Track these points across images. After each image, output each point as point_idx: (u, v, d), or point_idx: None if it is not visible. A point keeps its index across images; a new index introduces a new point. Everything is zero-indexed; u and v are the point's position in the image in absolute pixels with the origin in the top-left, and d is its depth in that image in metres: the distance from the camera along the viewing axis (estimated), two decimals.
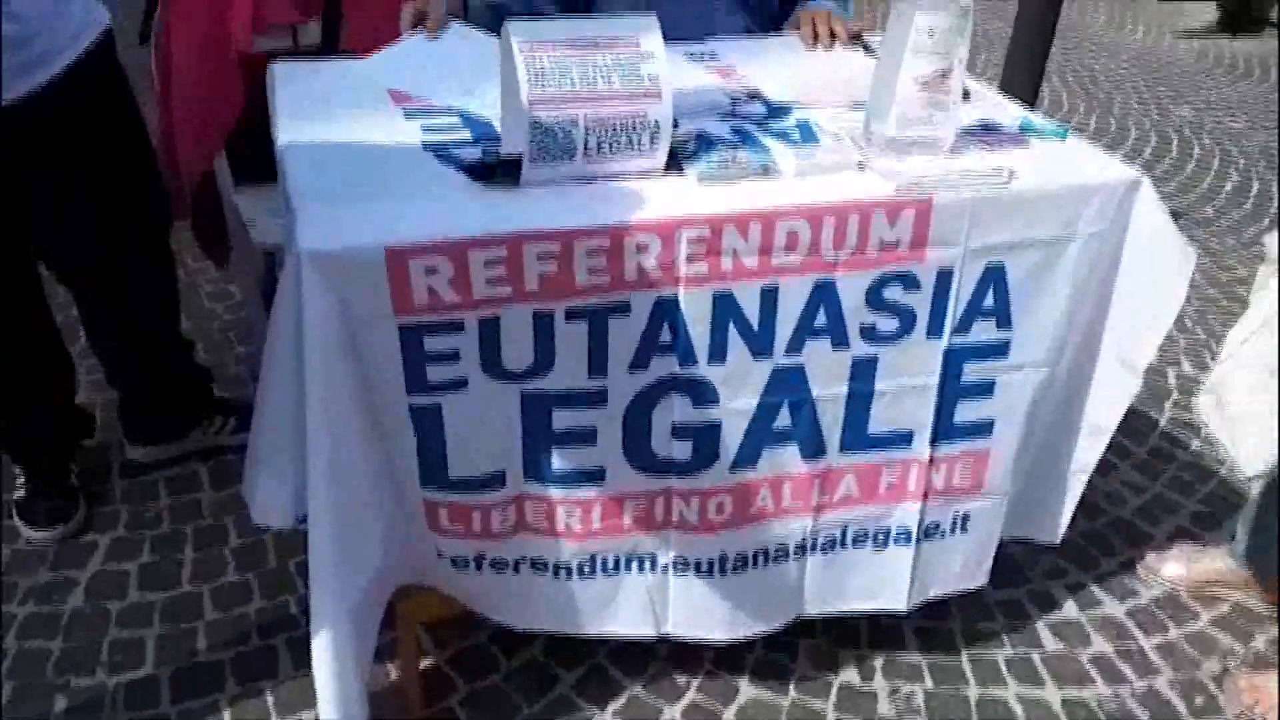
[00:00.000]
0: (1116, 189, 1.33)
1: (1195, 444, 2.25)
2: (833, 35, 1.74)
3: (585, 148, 1.18)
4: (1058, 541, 1.59)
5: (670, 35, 1.69)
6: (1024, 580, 1.87)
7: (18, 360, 1.76)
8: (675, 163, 1.26)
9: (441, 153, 1.26)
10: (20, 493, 1.92)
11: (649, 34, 1.19)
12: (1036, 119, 1.48)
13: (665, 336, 1.22)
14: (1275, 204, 3.44)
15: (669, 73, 1.20)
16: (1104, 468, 1.79)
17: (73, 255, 1.72)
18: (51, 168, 1.55)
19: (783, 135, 1.36)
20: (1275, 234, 1.59)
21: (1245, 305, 1.74)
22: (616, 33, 1.18)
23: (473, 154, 1.26)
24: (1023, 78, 2.75)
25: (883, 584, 1.52)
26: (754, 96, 1.51)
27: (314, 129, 1.32)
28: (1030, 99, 2.69)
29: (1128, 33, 5.30)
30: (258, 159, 1.57)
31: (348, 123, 1.35)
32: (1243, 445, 1.59)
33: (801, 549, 1.45)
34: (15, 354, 1.75)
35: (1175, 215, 3.36)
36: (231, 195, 1.99)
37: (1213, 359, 2.36)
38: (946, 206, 1.25)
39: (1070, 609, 1.82)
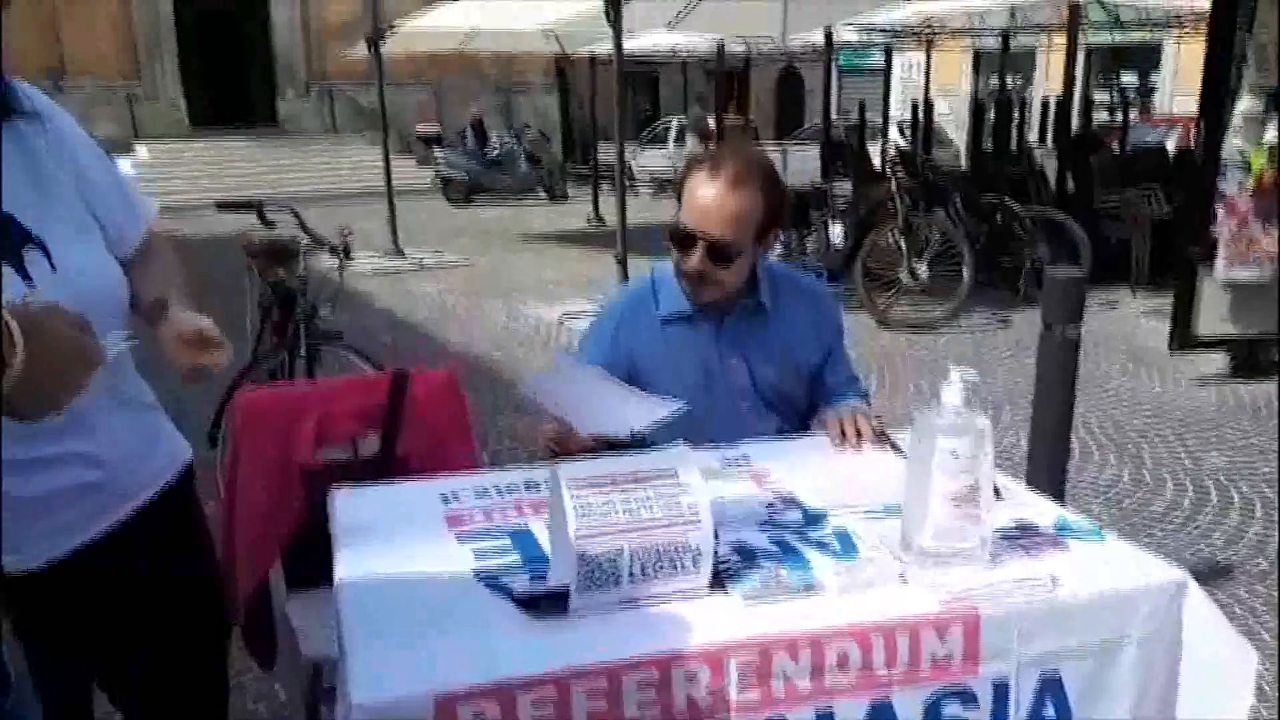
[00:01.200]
0: (1164, 591, 1.33)
1: None
2: (859, 434, 1.84)
3: (631, 574, 1.22)
4: None
5: (706, 438, 1.83)
6: None
7: None
8: (719, 582, 1.28)
9: (492, 581, 1.30)
10: None
11: (686, 466, 1.27)
12: (1071, 517, 1.51)
13: None
14: None
15: (707, 500, 1.26)
16: None
17: (128, 679, 1.71)
18: (120, 599, 1.55)
19: (822, 545, 1.40)
20: None
21: None
22: (657, 466, 1.26)
23: (522, 581, 1.30)
24: (1052, 434, 2.82)
25: None
26: (790, 502, 1.56)
27: (370, 560, 1.38)
28: (1062, 458, 2.75)
29: (1145, 383, 5.51)
30: (312, 564, 1.62)
31: (403, 551, 1.40)
32: None
33: None
34: None
35: (1227, 571, 3.30)
36: (284, 602, 2.02)
37: None
38: (994, 618, 1.25)
39: None
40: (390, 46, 9.68)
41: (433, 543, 1.44)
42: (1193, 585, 1.34)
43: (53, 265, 1.26)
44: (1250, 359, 5.56)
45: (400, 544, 1.43)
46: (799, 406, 2.05)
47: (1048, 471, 2.68)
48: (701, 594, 1.27)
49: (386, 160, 10.24)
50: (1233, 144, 5.14)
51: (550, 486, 1.25)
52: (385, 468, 2.04)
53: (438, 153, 16.49)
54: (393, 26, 9.60)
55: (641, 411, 1.68)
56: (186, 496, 1.62)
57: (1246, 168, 5.15)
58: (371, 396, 2.14)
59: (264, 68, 19.56)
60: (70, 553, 1.42)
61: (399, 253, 10.04)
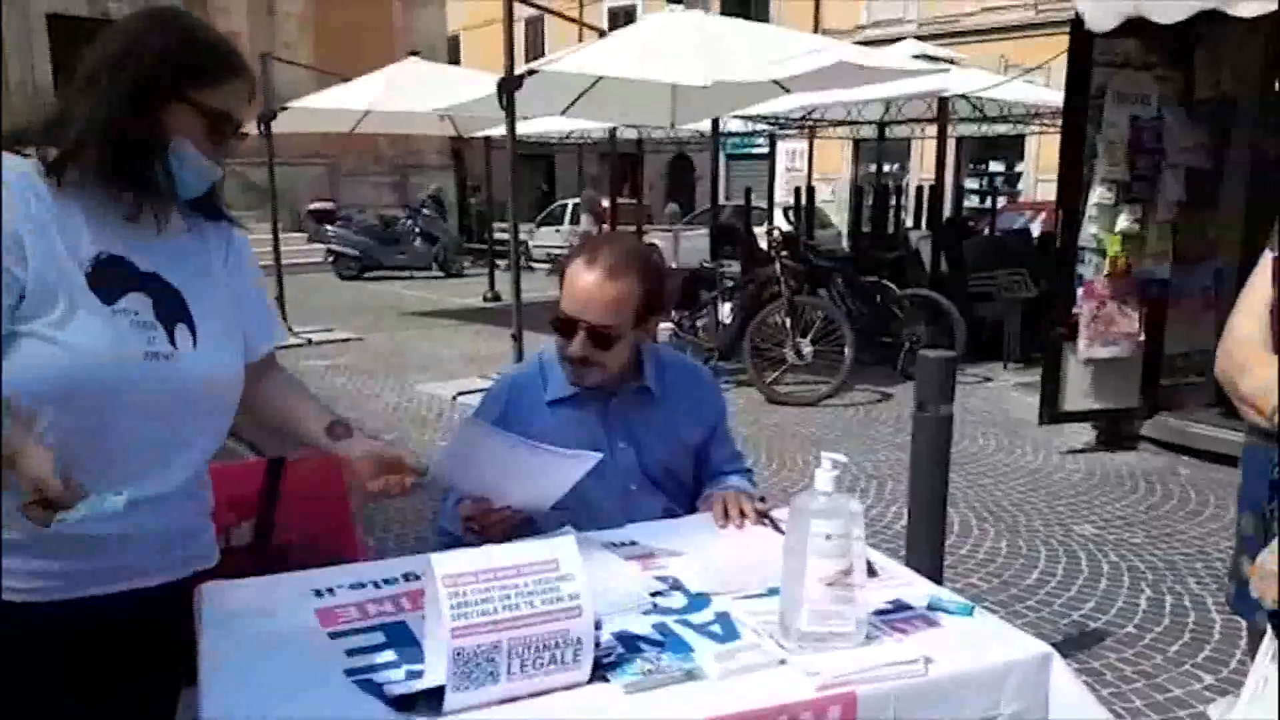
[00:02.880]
0: (1030, 665, 1.37)
1: None
2: (742, 513, 1.86)
3: (509, 670, 1.19)
4: None
5: (594, 522, 1.83)
6: None
7: None
8: (600, 672, 1.27)
9: (364, 680, 1.26)
10: None
11: (568, 555, 1.26)
12: (944, 595, 1.56)
13: None
14: (1192, 617, 3.54)
15: (589, 589, 1.25)
16: None
17: None
18: (84, 662, 1.45)
19: (704, 630, 1.40)
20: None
21: None
22: (538, 557, 1.25)
23: (396, 677, 1.26)
24: (928, 509, 2.91)
25: None
26: (674, 587, 1.56)
27: (235, 659, 1.32)
28: (939, 532, 2.83)
29: (1018, 456, 5.76)
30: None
31: (271, 649, 1.34)
32: None
33: None
34: None
35: (1099, 637, 3.43)
36: None
37: None
38: (870, 699, 1.27)
39: None
40: (281, 125, 9.59)
41: (303, 640, 1.38)
42: (1057, 658, 1.39)
43: (195, 343, 1.42)
44: (1113, 431, 5.89)
45: (268, 641, 1.37)
46: (686, 486, 2.08)
47: (927, 546, 2.76)
48: (582, 686, 1.25)
49: (275, 236, 10.05)
50: (1088, 232, 5.52)
51: (426, 579, 1.22)
52: (259, 560, 1.97)
53: (329, 229, 16.28)
54: (285, 106, 9.52)
55: (561, 474, 1.69)
56: (182, 596, 1.53)
57: (1102, 253, 5.52)
58: (245, 484, 2.06)
59: None
60: (76, 599, 1.39)
61: (287, 329, 9.79)
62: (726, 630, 1.40)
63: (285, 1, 18.89)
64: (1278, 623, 1.31)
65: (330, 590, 1.54)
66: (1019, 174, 20.00)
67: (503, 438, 1.71)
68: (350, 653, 1.34)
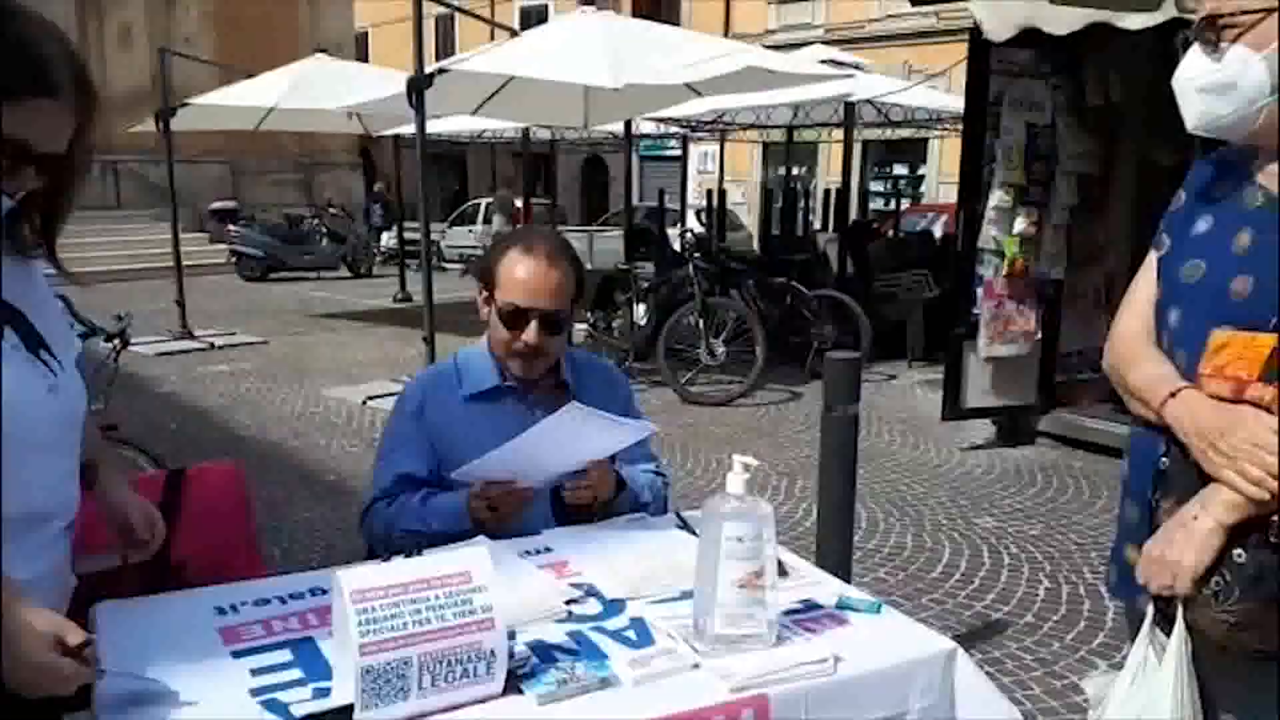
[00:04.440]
0: (936, 661, 1.41)
1: None
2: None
3: (420, 685, 1.18)
4: None
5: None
6: None
7: None
8: (514, 684, 1.26)
9: (269, 700, 1.22)
10: None
11: (480, 565, 1.25)
12: (852, 594, 1.59)
13: None
14: (1086, 606, 3.70)
15: (501, 600, 1.24)
16: None
17: None
18: None
19: (619, 636, 1.41)
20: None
21: (1083, 713, 1.78)
22: (448, 569, 1.23)
23: (303, 697, 1.23)
24: (837, 507, 2.97)
25: None
26: (589, 594, 1.56)
27: (134, 681, 1.26)
28: (848, 529, 2.89)
29: (922, 451, 5.92)
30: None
31: (172, 670, 1.29)
32: None
33: None
34: None
35: (1001, 628, 3.54)
36: None
37: None
38: (783, 700, 1.29)
39: None
40: (181, 123, 9.25)
41: (205, 659, 1.34)
42: (961, 654, 1.43)
43: (62, 366, 1.32)
44: (1012, 427, 6.11)
45: (169, 662, 1.32)
46: None
47: (837, 543, 2.81)
48: (495, 698, 1.24)
49: (175, 237, 9.70)
50: (988, 234, 5.71)
51: (334, 595, 1.19)
52: (158, 576, 1.89)
53: (232, 229, 15.78)
54: (185, 103, 9.18)
55: (606, 440, 1.79)
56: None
57: (1000, 255, 5.72)
58: (144, 497, 1.99)
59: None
60: None
61: (187, 334, 9.46)
62: (641, 636, 1.41)
63: None
64: (1159, 608, 1.37)
65: (234, 607, 1.50)
66: (922, 177, 20.58)
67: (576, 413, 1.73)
68: (255, 672, 1.30)
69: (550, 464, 1.84)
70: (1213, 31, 1.32)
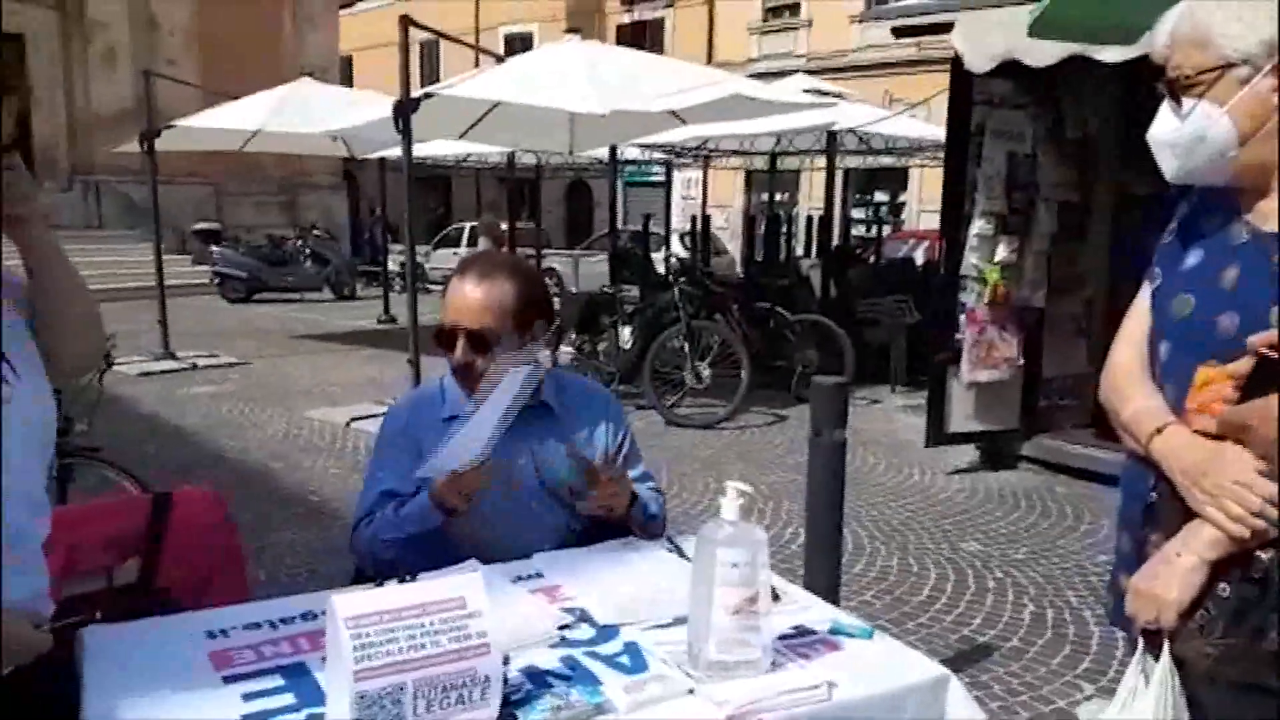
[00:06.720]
0: (928, 687, 1.42)
1: None
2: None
3: (415, 711, 1.17)
4: None
5: (497, 537, 1.83)
6: None
7: None
8: (508, 711, 1.26)
9: None
10: None
11: (473, 591, 1.25)
12: (844, 618, 1.60)
13: None
14: (1071, 632, 3.71)
15: (496, 626, 1.24)
16: None
17: None
18: None
19: (613, 662, 1.41)
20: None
21: None
22: (443, 594, 1.23)
23: None
24: (825, 531, 2.98)
25: None
26: (582, 619, 1.56)
27: (122, 707, 1.25)
28: (836, 553, 2.90)
29: (906, 476, 5.95)
30: (59, 714, 1.44)
31: (161, 695, 1.28)
32: None
33: None
34: None
35: (987, 651, 3.55)
36: None
37: None
38: None
39: None
40: (166, 144, 9.23)
41: (196, 685, 1.32)
42: (953, 680, 1.44)
43: (16, 374, 1.33)
44: (995, 451, 6.15)
45: (158, 688, 1.31)
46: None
47: (825, 567, 2.82)
48: None
49: (159, 257, 9.65)
50: (969, 261, 5.76)
51: (327, 621, 1.19)
52: (144, 600, 1.88)
53: (215, 250, 15.72)
54: (170, 124, 9.16)
55: (511, 387, 1.77)
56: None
57: (983, 282, 5.78)
58: (129, 520, 1.98)
59: (21, 157, 18.00)
60: None
61: (170, 354, 9.39)
62: (635, 661, 1.41)
63: (169, 17, 18.17)
64: (1149, 638, 1.39)
65: (224, 631, 1.49)
66: (903, 204, 20.78)
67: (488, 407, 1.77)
68: (247, 697, 1.29)
69: (495, 430, 1.83)
70: (1176, 91, 1.36)
